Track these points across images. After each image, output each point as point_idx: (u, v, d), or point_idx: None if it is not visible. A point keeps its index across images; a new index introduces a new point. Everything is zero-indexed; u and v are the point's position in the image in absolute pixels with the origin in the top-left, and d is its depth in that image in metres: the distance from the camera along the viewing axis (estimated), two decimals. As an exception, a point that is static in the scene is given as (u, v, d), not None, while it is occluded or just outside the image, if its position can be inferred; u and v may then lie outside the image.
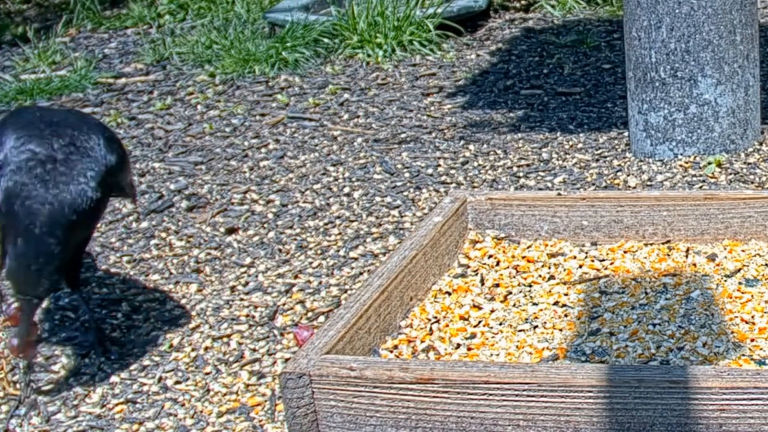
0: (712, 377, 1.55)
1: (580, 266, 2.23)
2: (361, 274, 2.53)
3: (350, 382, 1.67)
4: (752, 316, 1.96)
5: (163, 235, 2.85)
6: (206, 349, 2.20)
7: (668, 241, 2.30)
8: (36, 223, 1.85)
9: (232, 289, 2.51)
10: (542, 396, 1.60)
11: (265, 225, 2.88)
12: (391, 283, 2.00)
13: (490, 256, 2.31)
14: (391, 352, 1.94)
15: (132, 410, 2.00)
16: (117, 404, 2.02)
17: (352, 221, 2.85)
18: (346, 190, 3.08)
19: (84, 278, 2.57)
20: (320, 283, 2.50)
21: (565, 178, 3.02)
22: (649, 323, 1.96)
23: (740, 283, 2.10)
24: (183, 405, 1.99)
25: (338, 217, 2.89)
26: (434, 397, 1.64)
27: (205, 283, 2.55)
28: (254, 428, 1.89)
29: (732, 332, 1.91)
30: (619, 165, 3.09)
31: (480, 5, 5.00)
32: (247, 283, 2.53)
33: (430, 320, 2.05)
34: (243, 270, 2.61)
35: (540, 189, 2.94)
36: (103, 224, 2.93)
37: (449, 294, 2.15)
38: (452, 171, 3.15)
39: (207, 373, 2.10)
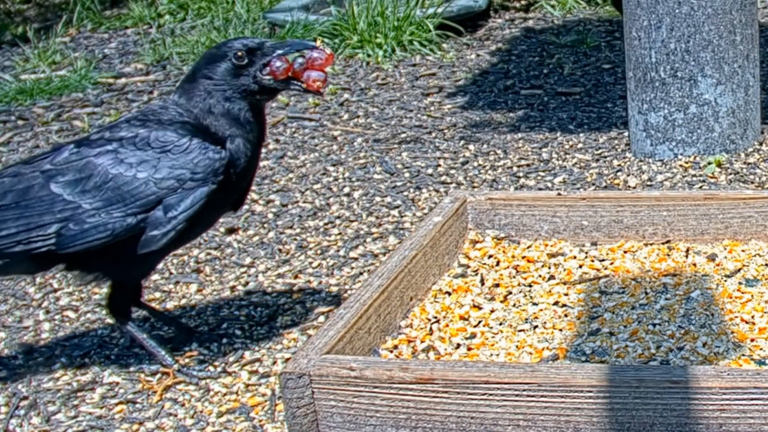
0: (712, 377, 1.55)
1: (580, 266, 2.23)
2: (361, 274, 2.53)
3: (350, 382, 1.67)
4: (752, 316, 1.96)
5: (163, 235, 2.85)
6: (206, 349, 2.20)
7: (668, 241, 2.30)
8: None
9: (232, 289, 2.51)
10: (542, 396, 1.60)
11: (265, 225, 2.88)
12: (391, 283, 2.00)
13: (490, 256, 2.31)
14: (391, 352, 1.94)
15: (132, 410, 2.00)
16: (117, 404, 2.02)
17: (352, 221, 2.85)
18: (346, 190, 3.08)
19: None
20: (320, 283, 2.50)
21: (565, 178, 3.02)
22: (649, 323, 1.95)
23: (740, 283, 2.10)
24: (183, 405, 1.99)
25: (338, 217, 2.89)
26: (434, 397, 1.64)
27: (205, 283, 2.55)
28: (254, 428, 1.89)
29: (732, 332, 1.90)
30: (619, 165, 3.09)
31: (480, 5, 4.99)
32: (247, 283, 2.53)
33: (430, 320, 2.05)
34: (243, 270, 2.61)
35: (540, 189, 2.94)
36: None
37: (449, 294, 2.15)
38: (452, 171, 3.15)
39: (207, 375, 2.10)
